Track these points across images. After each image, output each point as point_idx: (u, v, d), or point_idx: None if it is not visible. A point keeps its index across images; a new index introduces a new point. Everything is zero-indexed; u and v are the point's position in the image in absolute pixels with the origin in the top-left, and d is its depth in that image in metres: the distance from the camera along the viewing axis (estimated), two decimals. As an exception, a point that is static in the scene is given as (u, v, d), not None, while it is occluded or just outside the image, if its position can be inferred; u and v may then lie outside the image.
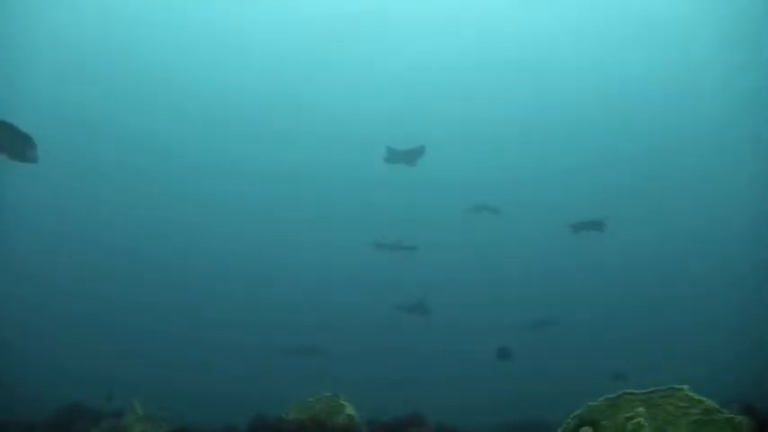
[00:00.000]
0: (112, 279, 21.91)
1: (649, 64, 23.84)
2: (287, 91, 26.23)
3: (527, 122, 25.92)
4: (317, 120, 26.62)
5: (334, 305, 20.81)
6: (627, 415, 4.52)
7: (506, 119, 25.92)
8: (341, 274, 22.30)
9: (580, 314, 20.20)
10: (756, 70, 19.54)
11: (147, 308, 20.38)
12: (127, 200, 24.45)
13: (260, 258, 24.15)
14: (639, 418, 4.40)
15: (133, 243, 23.81)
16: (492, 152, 26.08)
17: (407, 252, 17.50)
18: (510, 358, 11.23)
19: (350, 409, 5.05)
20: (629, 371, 13.43)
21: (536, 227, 23.24)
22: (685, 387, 4.59)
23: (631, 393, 4.68)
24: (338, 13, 23.72)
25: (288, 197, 25.84)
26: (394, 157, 13.82)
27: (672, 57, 23.24)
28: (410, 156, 13.71)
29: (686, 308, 20.11)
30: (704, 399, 4.52)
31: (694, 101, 23.37)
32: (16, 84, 21.03)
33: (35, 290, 19.61)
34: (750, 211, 20.53)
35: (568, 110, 25.73)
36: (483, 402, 14.01)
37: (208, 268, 23.54)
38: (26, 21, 21.19)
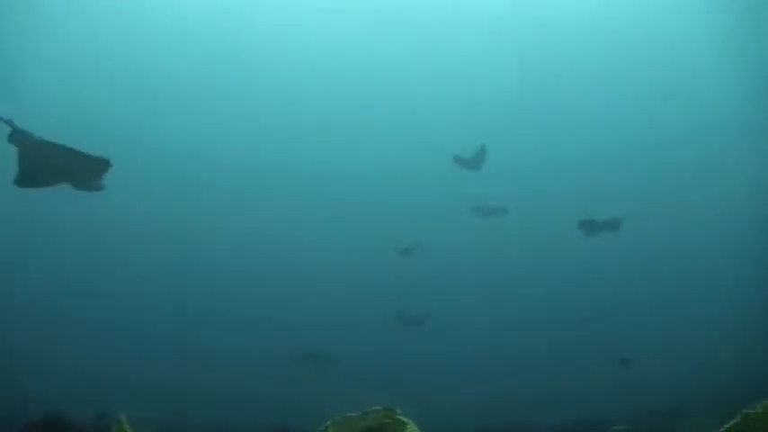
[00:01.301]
0: (116, 280, 21.48)
1: (648, 59, 23.80)
2: (289, 86, 25.44)
3: (528, 117, 25.61)
4: (321, 115, 25.82)
5: (345, 307, 19.86)
6: (803, 426, 3.29)
7: (509, 114, 25.54)
8: (352, 274, 21.42)
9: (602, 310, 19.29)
10: (757, 63, 18.85)
11: (153, 309, 19.67)
12: (134, 198, 23.63)
13: (269, 259, 23.22)
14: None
15: (140, 243, 22.98)
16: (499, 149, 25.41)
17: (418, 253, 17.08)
18: (629, 366, 11.00)
19: (413, 428, 3.67)
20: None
21: (541, 224, 22.63)
22: None
23: (800, 395, 3.45)
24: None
25: (294, 196, 25.01)
26: (460, 164, 14.52)
27: (672, 51, 23.13)
28: (474, 161, 14.21)
29: (694, 302, 19.23)
30: None
31: (701, 96, 23.22)
32: (20, 85, 20.51)
33: (38, 288, 19.19)
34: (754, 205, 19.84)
35: (577, 104, 25.04)
36: (507, 402, 13.09)
37: (216, 268, 22.59)
38: (29, 20, 20.50)
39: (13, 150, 6.62)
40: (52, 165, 6.58)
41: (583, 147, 25.37)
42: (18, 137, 6.44)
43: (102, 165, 6.73)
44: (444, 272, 20.25)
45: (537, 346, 17.39)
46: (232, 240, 23.74)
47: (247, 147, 25.68)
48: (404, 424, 3.72)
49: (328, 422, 4.07)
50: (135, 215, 23.26)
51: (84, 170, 6.69)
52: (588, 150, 25.16)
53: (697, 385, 11.89)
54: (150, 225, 23.70)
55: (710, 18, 19.69)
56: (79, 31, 22.46)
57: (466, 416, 9.72)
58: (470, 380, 15.58)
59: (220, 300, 20.52)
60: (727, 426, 3.47)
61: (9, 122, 6.36)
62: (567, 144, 25.63)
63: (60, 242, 22.25)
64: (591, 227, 12.75)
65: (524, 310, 19.70)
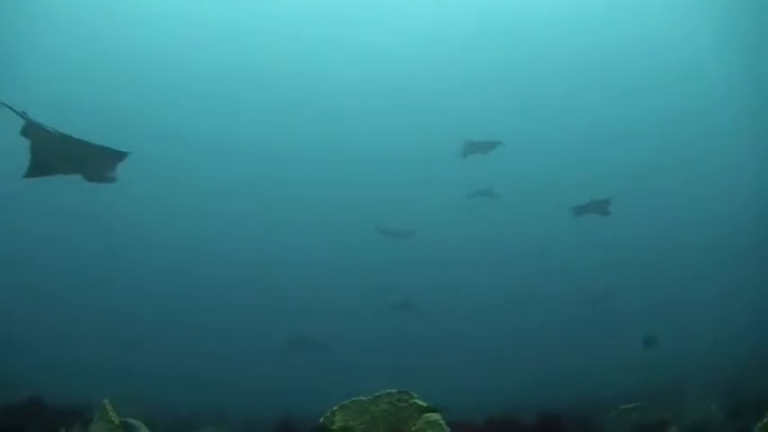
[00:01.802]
0: (108, 267, 21.02)
1: (649, 42, 23.33)
2: (286, 71, 25.08)
3: (522, 100, 25.21)
4: (322, 105, 25.47)
5: (341, 292, 19.62)
6: None
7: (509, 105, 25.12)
8: (347, 259, 21.20)
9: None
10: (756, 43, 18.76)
11: (146, 296, 19.43)
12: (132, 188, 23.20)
13: (262, 245, 22.92)
14: None
15: (134, 230, 22.68)
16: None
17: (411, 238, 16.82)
18: (651, 346, 10.87)
19: (433, 414, 3.27)
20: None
21: (536, 208, 22.54)
22: None
23: None
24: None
25: (290, 180, 24.69)
26: (470, 148, 14.17)
27: (672, 35, 22.61)
28: (486, 147, 14.00)
29: (696, 283, 19.27)
30: None
31: (698, 78, 22.81)
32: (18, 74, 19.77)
33: (36, 277, 18.92)
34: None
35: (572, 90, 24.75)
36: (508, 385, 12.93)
37: (210, 254, 22.38)
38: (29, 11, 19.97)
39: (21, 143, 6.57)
40: (66, 156, 6.63)
41: (580, 128, 25.15)
42: (32, 129, 6.39)
43: (116, 156, 6.78)
44: (439, 255, 20.04)
45: (541, 326, 17.22)
46: (225, 226, 23.37)
47: (243, 132, 25.29)
48: (421, 408, 3.31)
49: (335, 407, 3.68)
50: (127, 202, 22.84)
51: (97, 161, 6.73)
52: (586, 131, 24.94)
53: (700, 365, 11.74)
54: (144, 212, 23.27)
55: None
56: (86, 22, 22.05)
57: (467, 398, 9.43)
58: (470, 363, 15.37)
59: (216, 286, 20.19)
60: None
61: (23, 115, 6.25)
62: (564, 126, 25.42)
63: (53, 230, 21.88)
64: (586, 209, 12.61)
65: (524, 293, 19.52)
